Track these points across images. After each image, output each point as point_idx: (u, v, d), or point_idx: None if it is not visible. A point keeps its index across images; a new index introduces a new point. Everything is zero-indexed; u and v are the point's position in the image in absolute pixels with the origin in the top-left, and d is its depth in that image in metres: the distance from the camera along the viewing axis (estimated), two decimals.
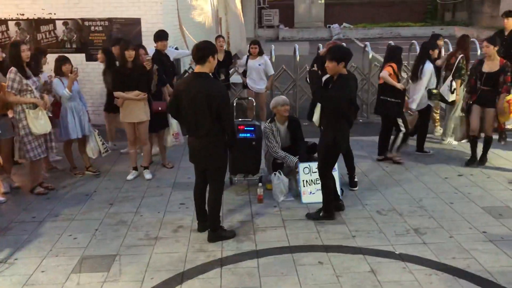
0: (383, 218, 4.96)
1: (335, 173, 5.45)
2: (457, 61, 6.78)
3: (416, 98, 6.51)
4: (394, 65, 6.28)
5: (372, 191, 5.67)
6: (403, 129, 6.39)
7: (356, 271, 3.97)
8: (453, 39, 9.83)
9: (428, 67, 6.47)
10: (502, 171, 6.22)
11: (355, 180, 5.81)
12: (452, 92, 6.77)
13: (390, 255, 4.22)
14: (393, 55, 6.43)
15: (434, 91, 6.60)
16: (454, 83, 6.76)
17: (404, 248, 4.33)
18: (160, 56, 6.86)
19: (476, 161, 6.44)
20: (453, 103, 6.92)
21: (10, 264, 4.18)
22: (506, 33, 7.77)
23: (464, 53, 6.88)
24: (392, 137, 6.59)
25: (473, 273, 3.90)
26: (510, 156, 6.79)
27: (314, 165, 5.45)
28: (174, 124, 6.39)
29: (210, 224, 4.57)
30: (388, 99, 6.27)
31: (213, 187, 4.54)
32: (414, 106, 6.56)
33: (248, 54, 8.30)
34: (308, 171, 5.43)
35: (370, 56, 8.97)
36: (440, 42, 7.40)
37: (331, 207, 4.93)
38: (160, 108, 6.22)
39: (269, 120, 6.01)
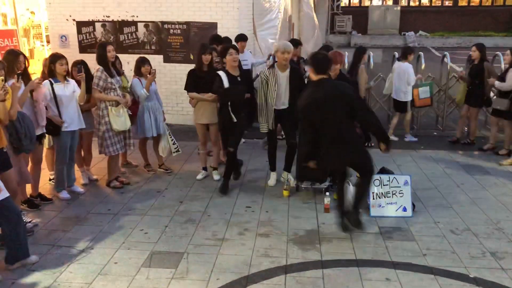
0: (457, 238, 4.72)
1: (407, 187, 5.29)
2: None
3: None
4: None
5: (445, 208, 5.41)
6: None
7: None
8: None
9: None
10: None
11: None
12: None
13: (463, 278, 4.01)
14: None
15: None
16: None
17: (480, 272, 4.09)
18: None
19: None
20: None
21: (86, 253, 4.43)
22: None
23: None
24: None
25: None
26: None
27: (385, 178, 5.31)
28: None
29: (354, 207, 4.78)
30: None
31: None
32: None
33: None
34: (379, 183, 5.28)
35: (449, 66, 8.59)
36: None
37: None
38: None
39: (269, 66, 5.99)
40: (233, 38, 7.66)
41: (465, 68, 8.22)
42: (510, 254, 4.39)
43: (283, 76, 5.70)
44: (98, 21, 8.95)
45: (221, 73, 5.76)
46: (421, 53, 8.81)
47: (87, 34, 9.03)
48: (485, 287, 3.86)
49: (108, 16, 8.90)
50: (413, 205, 5.27)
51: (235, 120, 5.76)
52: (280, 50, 5.61)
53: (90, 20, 8.97)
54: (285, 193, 5.77)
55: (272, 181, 6.13)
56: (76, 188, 5.87)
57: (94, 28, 8.98)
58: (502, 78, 6.97)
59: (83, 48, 9.07)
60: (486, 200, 5.64)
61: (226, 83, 5.70)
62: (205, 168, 6.42)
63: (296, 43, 7.77)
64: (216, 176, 6.34)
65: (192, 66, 6.30)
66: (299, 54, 7.83)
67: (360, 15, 25.79)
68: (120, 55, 6.69)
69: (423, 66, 8.43)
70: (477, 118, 7.80)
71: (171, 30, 8.74)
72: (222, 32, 8.40)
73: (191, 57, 8.45)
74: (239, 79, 5.83)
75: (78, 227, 4.98)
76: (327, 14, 24.22)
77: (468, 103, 7.66)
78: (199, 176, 6.34)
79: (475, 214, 5.26)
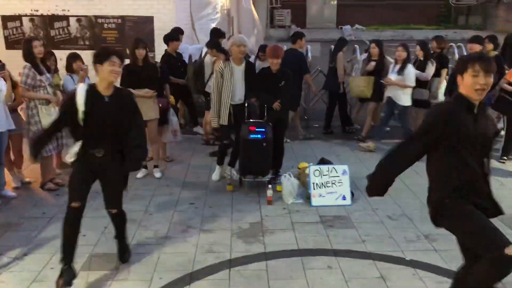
0: (394, 223, 4.92)
1: (346, 176, 5.44)
2: None
3: None
4: None
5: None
6: None
7: (365, 277, 3.93)
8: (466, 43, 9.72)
9: None
10: None
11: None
12: None
13: (400, 261, 4.18)
14: None
15: None
16: None
17: (415, 254, 4.28)
18: (168, 58, 6.96)
19: None
20: None
21: (20, 260, 4.19)
22: None
23: None
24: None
25: None
26: None
27: (324, 168, 5.43)
28: (173, 121, 6.44)
29: None
30: None
31: None
32: None
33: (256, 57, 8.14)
34: (319, 174, 5.40)
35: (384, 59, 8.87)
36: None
37: None
38: (160, 105, 6.23)
39: (223, 59, 5.84)
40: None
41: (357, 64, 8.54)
42: (442, 236, 4.60)
43: (239, 70, 5.64)
44: (26, 15, 8.49)
45: (80, 87, 3.72)
46: (357, 45, 9.08)
47: (14, 29, 8.54)
48: (420, 268, 4.05)
49: (37, 10, 8.46)
50: (352, 194, 5.43)
51: (99, 154, 3.86)
52: (236, 44, 5.55)
53: (17, 14, 8.48)
54: (229, 187, 5.76)
55: (216, 175, 6.09)
56: (7, 192, 5.54)
57: (21, 22, 8.51)
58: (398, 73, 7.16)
59: (9, 44, 8.57)
60: (420, 186, 5.82)
61: (80, 104, 3.60)
62: (145, 166, 6.28)
63: (301, 34, 7.78)
64: (157, 174, 6.21)
65: (128, 62, 6.11)
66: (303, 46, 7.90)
67: (298, 9, 26.14)
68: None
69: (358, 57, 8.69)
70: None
71: (105, 25, 8.46)
72: (159, 26, 8.24)
73: (127, 52, 8.21)
74: (106, 99, 3.70)
75: (10, 233, 4.70)
76: (267, 8, 24.33)
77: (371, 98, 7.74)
78: (139, 175, 6.18)
79: (410, 199, 5.50)
